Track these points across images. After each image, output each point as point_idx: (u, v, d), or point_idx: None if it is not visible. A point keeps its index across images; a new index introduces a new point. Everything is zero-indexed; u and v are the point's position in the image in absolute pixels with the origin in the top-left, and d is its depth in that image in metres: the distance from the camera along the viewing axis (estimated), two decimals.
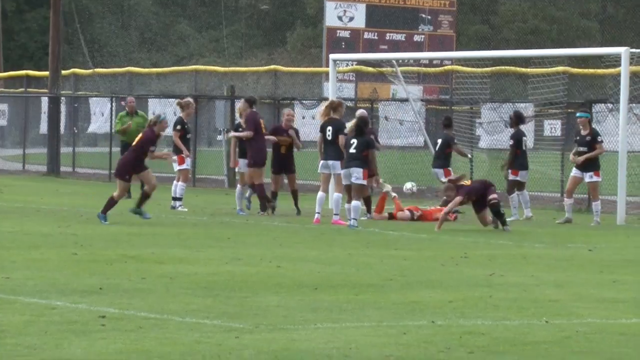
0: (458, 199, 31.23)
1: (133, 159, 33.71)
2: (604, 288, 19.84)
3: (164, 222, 35.11)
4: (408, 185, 36.05)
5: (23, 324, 14.60)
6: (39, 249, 26.04)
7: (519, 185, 35.90)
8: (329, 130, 33.76)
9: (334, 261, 23.88)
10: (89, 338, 13.97)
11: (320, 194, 34.05)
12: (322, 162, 34.44)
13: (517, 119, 36.20)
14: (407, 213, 33.60)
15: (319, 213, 33.32)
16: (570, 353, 13.40)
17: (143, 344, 13.95)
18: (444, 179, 34.87)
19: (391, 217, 34.87)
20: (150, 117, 38.75)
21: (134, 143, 34.67)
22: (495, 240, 28.45)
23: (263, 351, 13.15)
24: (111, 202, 33.06)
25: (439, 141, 37.16)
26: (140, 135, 34.49)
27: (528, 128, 47.42)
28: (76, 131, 55.38)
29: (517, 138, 36.12)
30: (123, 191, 34.31)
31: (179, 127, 38.28)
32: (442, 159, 36.45)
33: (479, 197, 31.59)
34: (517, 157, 35.65)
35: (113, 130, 40.18)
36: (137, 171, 34.34)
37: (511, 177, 35.77)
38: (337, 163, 33.64)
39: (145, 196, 33.96)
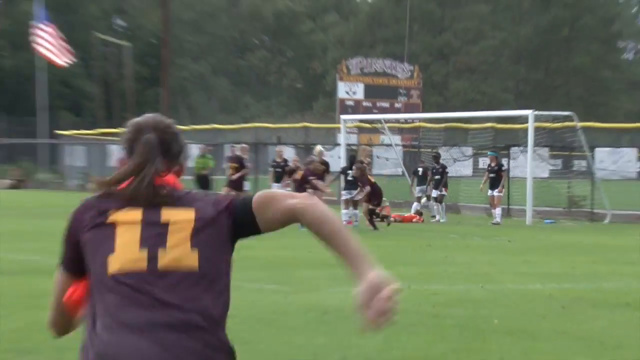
0: (367, 189, 30.12)
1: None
2: (519, 265, 19.74)
3: None
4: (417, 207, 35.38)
5: None
6: None
7: (443, 198, 35.27)
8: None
9: None
10: None
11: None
12: (344, 191, 31.99)
13: (438, 157, 36.43)
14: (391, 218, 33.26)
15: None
16: (497, 306, 13.54)
17: (232, 301, 13.92)
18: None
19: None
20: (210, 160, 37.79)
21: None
22: (447, 234, 28.10)
23: (302, 305, 13.18)
24: None
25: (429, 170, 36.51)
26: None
27: (468, 162, 47.42)
28: None
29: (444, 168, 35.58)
30: None
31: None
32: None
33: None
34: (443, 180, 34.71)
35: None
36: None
37: (443, 192, 35.08)
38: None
39: None
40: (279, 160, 36.42)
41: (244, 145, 38.32)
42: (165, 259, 3.77)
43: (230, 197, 4.11)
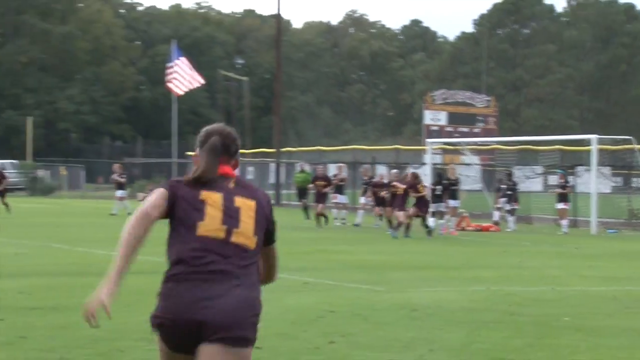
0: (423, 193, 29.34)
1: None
2: (585, 270, 19.32)
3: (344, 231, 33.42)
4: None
5: None
6: None
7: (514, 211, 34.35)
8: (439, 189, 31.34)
9: (431, 252, 23.21)
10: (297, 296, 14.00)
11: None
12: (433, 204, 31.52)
13: (510, 175, 35.77)
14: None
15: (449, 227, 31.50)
16: (566, 306, 13.25)
17: (333, 299, 13.89)
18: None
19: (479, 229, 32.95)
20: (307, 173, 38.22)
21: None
22: (521, 242, 27.68)
23: (394, 303, 12.99)
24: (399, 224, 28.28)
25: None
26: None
27: (538, 180, 46.94)
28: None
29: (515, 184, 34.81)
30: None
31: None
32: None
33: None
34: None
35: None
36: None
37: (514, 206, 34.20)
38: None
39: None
40: (365, 177, 36.77)
41: (342, 164, 38.66)
42: (236, 236, 4.84)
43: (272, 207, 5.18)
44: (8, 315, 11.25)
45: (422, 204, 29.15)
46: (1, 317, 11.12)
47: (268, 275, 5.27)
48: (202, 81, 64.67)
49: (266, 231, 5.03)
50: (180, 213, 4.86)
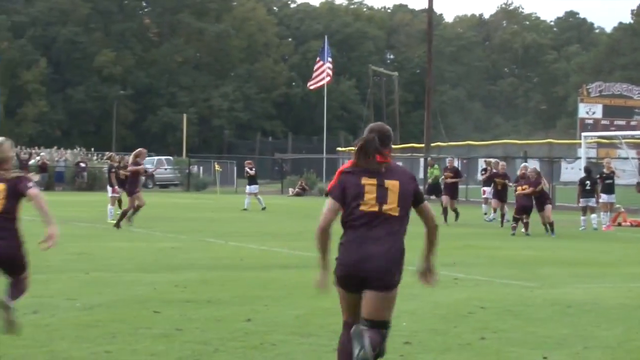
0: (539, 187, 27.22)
1: None
2: None
3: None
4: None
5: None
6: None
7: None
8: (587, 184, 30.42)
9: (584, 249, 22.70)
10: (448, 291, 14.12)
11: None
12: (582, 199, 30.76)
13: None
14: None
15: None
16: None
17: (484, 295, 14.04)
18: None
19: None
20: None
21: None
22: None
23: (547, 299, 12.83)
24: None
25: None
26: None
27: None
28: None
29: None
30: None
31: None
32: None
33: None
34: None
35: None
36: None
37: None
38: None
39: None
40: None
41: (495, 160, 38.01)
42: (386, 208, 6.82)
43: (416, 182, 7.16)
44: (164, 308, 11.51)
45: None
46: (158, 310, 11.40)
47: (428, 225, 7.15)
48: (329, 79, 65.39)
49: (413, 199, 6.98)
50: (349, 197, 6.83)
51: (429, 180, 36.26)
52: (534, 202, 26.83)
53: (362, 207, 6.76)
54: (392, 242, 6.78)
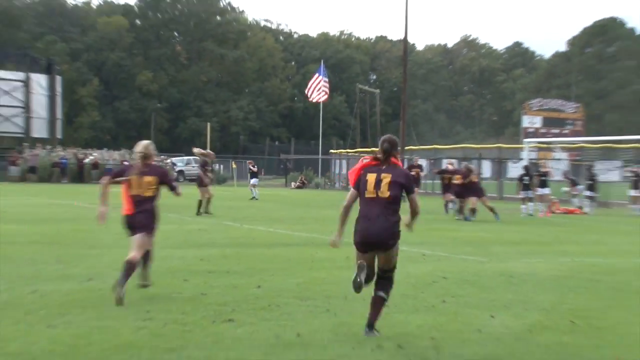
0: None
1: None
2: None
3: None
4: None
5: None
6: None
7: (594, 197, 33.02)
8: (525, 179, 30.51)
9: (525, 231, 22.78)
10: (417, 265, 13.64)
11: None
12: (522, 192, 30.42)
13: (591, 168, 34.40)
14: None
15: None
16: (638, 274, 12.65)
17: (446, 267, 13.96)
18: None
19: None
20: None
21: None
22: (600, 223, 26.93)
23: (495, 271, 12.92)
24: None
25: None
26: None
27: (617, 172, 45.43)
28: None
29: (594, 176, 33.51)
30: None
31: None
32: None
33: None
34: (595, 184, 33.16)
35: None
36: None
37: (594, 193, 32.89)
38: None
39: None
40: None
41: (452, 160, 38.11)
42: (380, 194, 7.86)
43: (411, 177, 8.24)
44: (191, 277, 11.56)
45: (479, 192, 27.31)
46: (187, 278, 11.46)
47: (413, 210, 8.11)
48: (326, 94, 65.13)
49: (403, 189, 7.92)
50: (361, 188, 7.99)
51: None
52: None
53: (366, 195, 7.95)
54: (384, 217, 7.84)
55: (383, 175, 7.95)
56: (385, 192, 7.88)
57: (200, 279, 11.42)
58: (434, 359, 7.01)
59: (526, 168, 32.25)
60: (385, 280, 8.14)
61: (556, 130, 72.16)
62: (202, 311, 8.96)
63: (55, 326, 8.03)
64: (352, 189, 8.16)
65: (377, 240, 7.85)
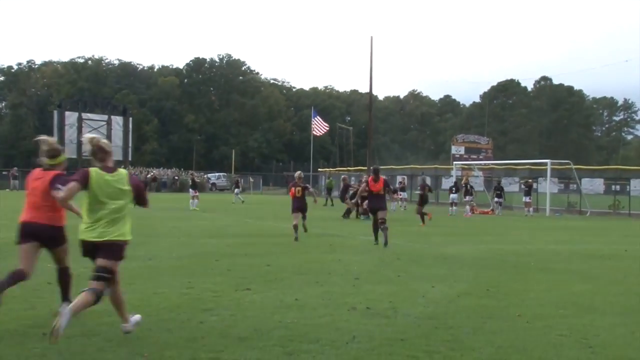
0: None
1: None
2: (543, 236, 18.55)
3: None
4: None
5: None
6: None
7: (501, 202, 31.83)
8: (453, 189, 30.35)
9: (455, 226, 22.58)
10: (380, 250, 13.23)
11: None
12: (452, 195, 30.42)
13: (499, 182, 33.75)
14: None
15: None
16: (533, 256, 12.58)
17: (399, 251, 13.58)
18: None
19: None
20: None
21: None
22: (506, 220, 26.87)
23: (434, 254, 12.72)
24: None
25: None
26: None
27: (516, 185, 45.44)
28: None
29: (502, 189, 32.37)
30: None
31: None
32: None
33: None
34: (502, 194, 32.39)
35: None
36: None
37: (502, 200, 31.87)
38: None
39: None
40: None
41: (404, 176, 37.82)
42: (376, 190, 13.67)
43: (388, 183, 12.43)
44: (221, 258, 11.46)
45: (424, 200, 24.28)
46: (218, 259, 11.35)
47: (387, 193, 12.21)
48: (327, 128, 64.86)
49: (387, 188, 11.20)
50: (368, 187, 11.48)
51: (326, 186, 36.24)
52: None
53: (374, 192, 13.38)
54: (380, 199, 13.52)
55: (376, 182, 13.74)
56: (380, 189, 13.86)
57: (227, 259, 11.31)
58: (392, 317, 6.91)
59: (455, 183, 32.26)
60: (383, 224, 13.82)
61: (475, 156, 72.16)
62: (228, 282, 8.84)
63: (124, 292, 7.86)
64: (363, 185, 14.31)
65: (379, 209, 14.02)
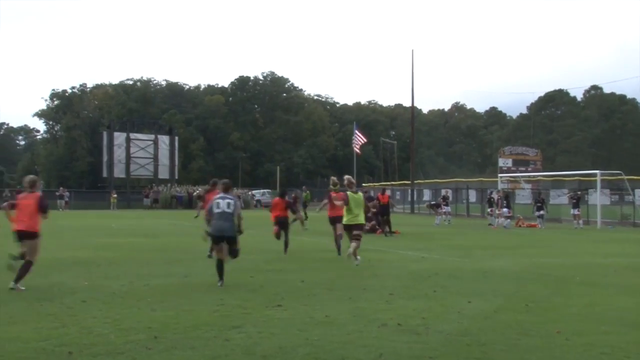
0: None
1: None
2: (591, 248, 17.95)
3: None
4: None
5: None
6: None
7: (543, 215, 30.64)
8: (505, 204, 29.74)
9: (497, 239, 22.11)
10: (417, 264, 12.94)
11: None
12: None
13: (540, 194, 33.21)
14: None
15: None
16: (578, 269, 12.13)
17: (438, 266, 13.29)
18: None
19: None
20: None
21: None
22: (554, 233, 26.11)
23: (474, 268, 12.40)
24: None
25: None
26: None
27: (564, 197, 44.27)
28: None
29: (544, 201, 31.39)
30: None
31: None
32: None
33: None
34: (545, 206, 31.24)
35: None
36: None
37: (544, 212, 30.57)
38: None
39: None
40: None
41: (447, 189, 37.22)
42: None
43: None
44: (255, 274, 11.46)
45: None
46: (252, 275, 11.31)
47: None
48: (364, 141, 64.36)
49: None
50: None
51: (304, 199, 34.89)
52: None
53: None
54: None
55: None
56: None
57: (261, 276, 11.27)
58: (424, 333, 6.71)
59: (507, 195, 31.30)
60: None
61: (523, 168, 70.66)
62: (260, 299, 8.77)
63: (155, 309, 7.91)
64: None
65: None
